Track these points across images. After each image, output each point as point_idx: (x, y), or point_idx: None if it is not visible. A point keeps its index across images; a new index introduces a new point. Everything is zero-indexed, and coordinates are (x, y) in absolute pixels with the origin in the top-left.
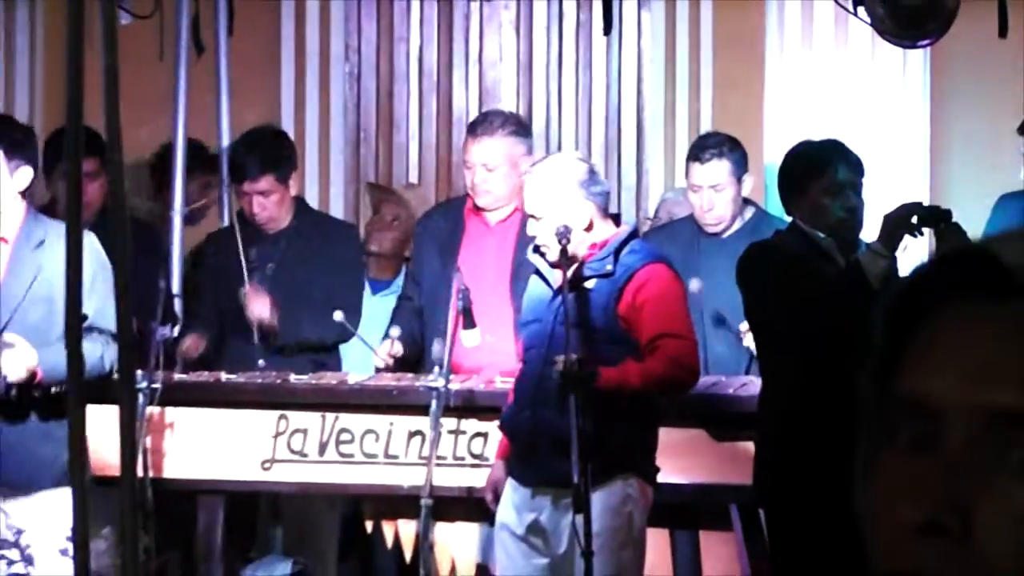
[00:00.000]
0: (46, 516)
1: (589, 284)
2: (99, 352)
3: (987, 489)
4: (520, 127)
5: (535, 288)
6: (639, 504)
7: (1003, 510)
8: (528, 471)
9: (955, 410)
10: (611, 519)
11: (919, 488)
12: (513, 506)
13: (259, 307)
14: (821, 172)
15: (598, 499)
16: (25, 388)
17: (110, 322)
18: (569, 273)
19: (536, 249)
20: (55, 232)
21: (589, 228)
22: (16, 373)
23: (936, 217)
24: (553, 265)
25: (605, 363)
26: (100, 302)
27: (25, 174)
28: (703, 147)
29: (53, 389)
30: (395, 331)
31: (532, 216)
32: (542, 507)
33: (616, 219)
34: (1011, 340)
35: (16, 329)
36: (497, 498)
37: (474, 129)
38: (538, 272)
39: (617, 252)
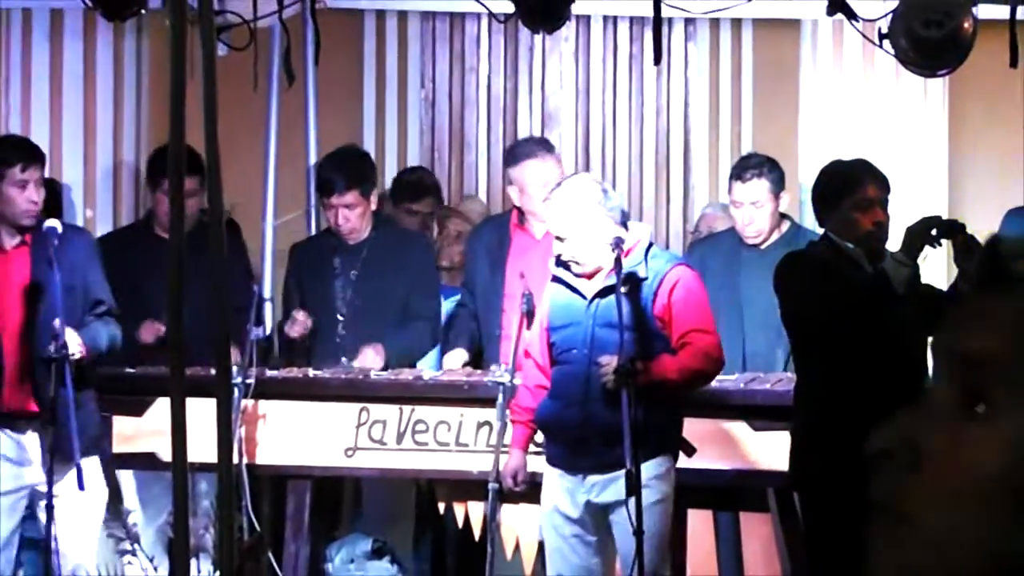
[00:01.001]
0: (149, 498)
1: (622, 290)
2: (115, 332)
3: (940, 429)
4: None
5: (561, 296)
6: (672, 478)
7: (951, 448)
8: (580, 460)
9: (950, 359)
10: (663, 484)
11: (891, 424)
12: (565, 492)
13: (375, 360)
14: (851, 189)
15: (647, 470)
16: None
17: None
18: (598, 285)
19: (560, 263)
20: (61, 234)
21: (611, 241)
22: (75, 349)
23: (953, 229)
24: (582, 276)
25: (645, 358)
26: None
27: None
28: (745, 167)
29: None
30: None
31: (557, 237)
32: (592, 490)
33: (625, 226)
34: (993, 308)
35: (51, 316)
36: (517, 483)
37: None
38: (562, 282)
39: (644, 257)
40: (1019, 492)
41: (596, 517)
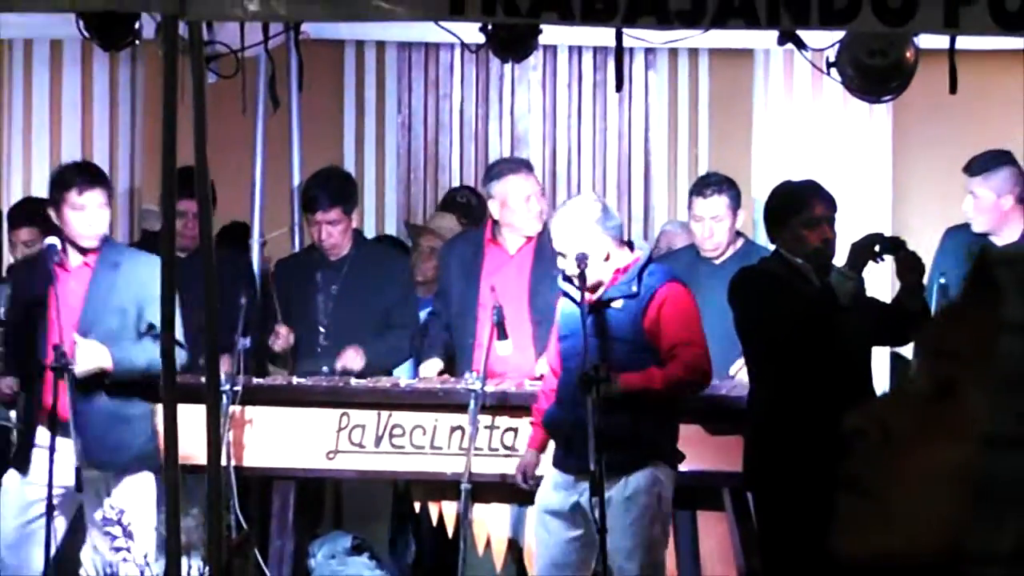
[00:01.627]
0: (141, 498)
1: (617, 304)
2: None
3: (911, 414)
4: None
5: (567, 307)
6: (666, 486)
7: (919, 433)
8: (571, 461)
9: (927, 351)
10: (644, 498)
11: (866, 406)
12: (557, 488)
13: (356, 362)
14: (800, 208)
15: (633, 482)
16: (94, 379)
17: (178, 331)
18: (596, 295)
19: (566, 278)
20: (126, 256)
21: (607, 258)
22: (84, 365)
23: (895, 245)
24: (583, 290)
25: (634, 369)
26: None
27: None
28: (705, 184)
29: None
30: (283, 329)
31: (560, 253)
32: (582, 490)
33: (630, 246)
34: (971, 309)
35: (97, 333)
36: (527, 479)
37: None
38: (568, 296)
39: (639, 275)
40: (979, 483)
41: (584, 516)
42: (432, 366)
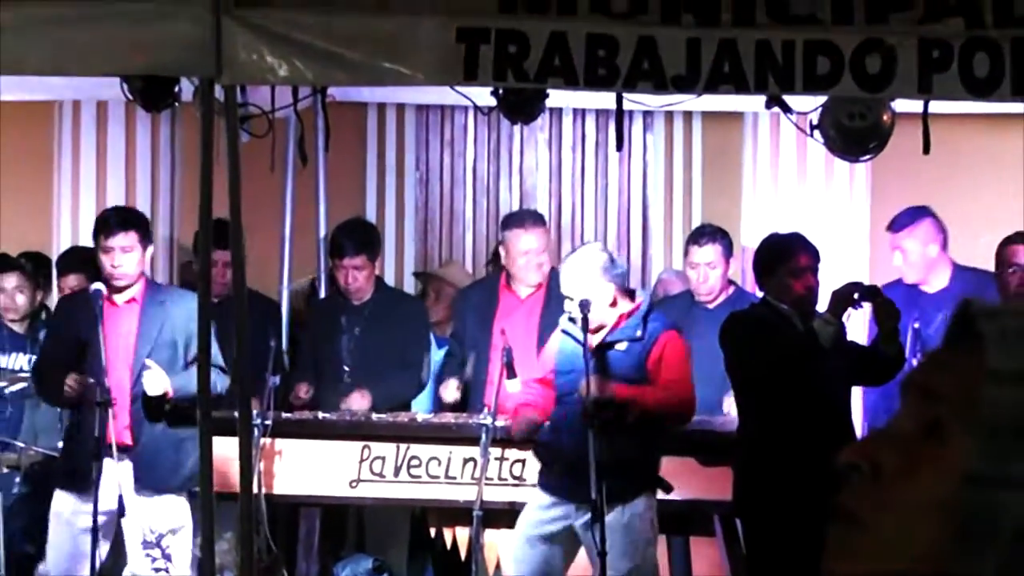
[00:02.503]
0: (179, 522)
1: (621, 346)
2: (216, 380)
3: (900, 451)
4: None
5: (567, 346)
6: (655, 510)
7: (907, 469)
8: (570, 488)
9: (910, 391)
10: (640, 523)
11: (857, 443)
12: (550, 513)
13: (362, 403)
14: (786, 258)
15: (630, 508)
16: (158, 402)
17: (219, 359)
18: (600, 337)
19: (571, 319)
20: (171, 295)
21: (613, 303)
22: (154, 390)
23: (872, 293)
24: (585, 332)
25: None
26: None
27: (150, 253)
28: (701, 233)
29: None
30: (303, 389)
31: (568, 297)
32: (577, 516)
33: (631, 294)
34: (956, 356)
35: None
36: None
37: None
38: (570, 335)
39: (644, 320)
40: (961, 517)
41: (573, 541)
42: (451, 386)
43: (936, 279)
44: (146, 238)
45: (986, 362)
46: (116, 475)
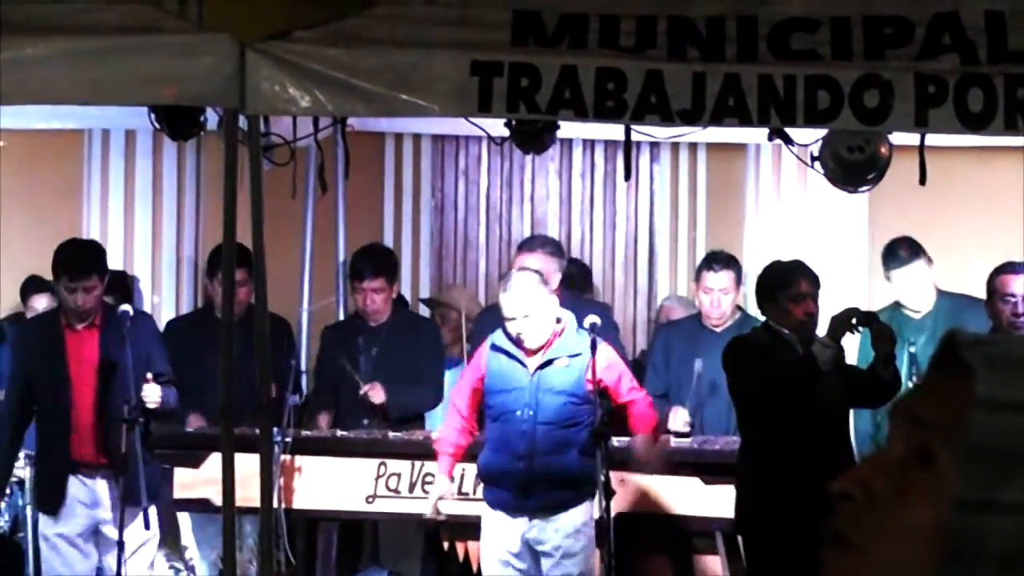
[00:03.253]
0: (203, 536)
1: (562, 363)
2: (168, 394)
3: (891, 478)
4: (557, 248)
5: (501, 364)
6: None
7: (898, 495)
8: (525, 503)
9: (899, 418)
10: (587, 528)
11: (850, 471)
12: (507, 531)
13: (377, 395)
14: (787, 285)
15: (580, 514)
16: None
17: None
18: (541, 357)
19: (509, 337)
20: (136, 315)
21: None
22: (153, 400)
23: (869, 319)
24: (527, 351)
25: (587, 417)
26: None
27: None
28: (715, 260)
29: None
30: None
31: (510, 317)
32: (532, 530)
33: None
34: (943, 384)
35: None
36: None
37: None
38: (505, 352)
39: (574, 335)
40: (951, 541)
41: (532, 553)
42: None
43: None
44: (103, 273)
45: (973, 390)
46: (87, 493)
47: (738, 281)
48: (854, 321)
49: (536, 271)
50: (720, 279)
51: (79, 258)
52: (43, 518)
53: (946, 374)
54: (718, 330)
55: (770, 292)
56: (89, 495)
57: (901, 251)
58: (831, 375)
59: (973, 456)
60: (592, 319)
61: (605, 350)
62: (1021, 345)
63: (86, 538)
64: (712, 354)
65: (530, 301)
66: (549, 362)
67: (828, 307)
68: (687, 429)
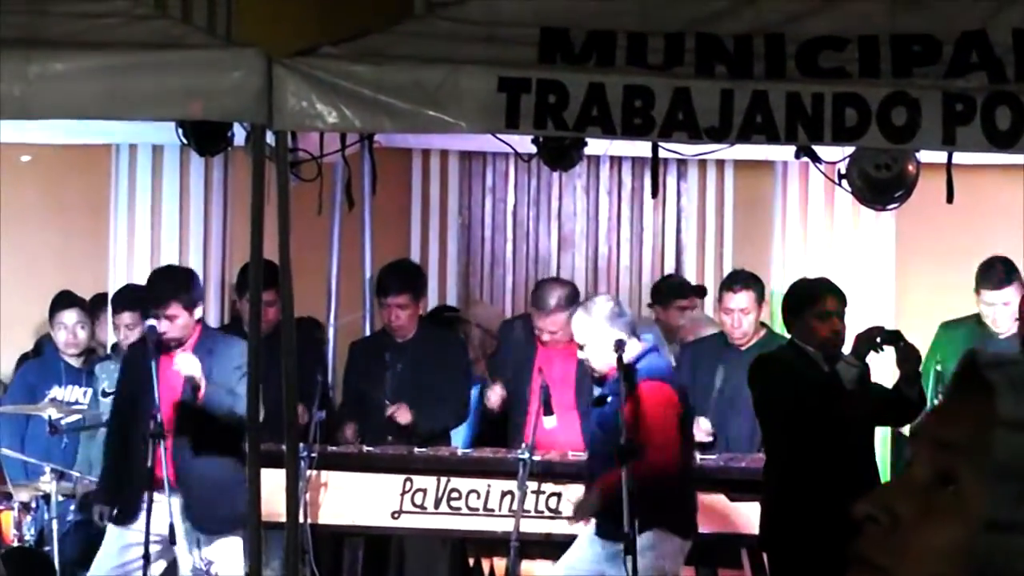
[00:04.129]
0: (230, 552)
1: (608, 400)
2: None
3: (915, 500)
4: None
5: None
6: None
7: (922, 517)
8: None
9: (922, 441)
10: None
11: (874, 493)
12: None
13: (403, 416)
14: (813, 302)
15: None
16: (192, 393)
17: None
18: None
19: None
20: (218, 342)
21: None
22: (187, 370)
23: (893, 338)
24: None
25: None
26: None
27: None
28: (736, 280)
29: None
30: (350, 431)
31: (580, 344)
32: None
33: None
34: (965, 405)
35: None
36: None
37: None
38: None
39: (628, 371)
40: (975, 566)
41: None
42: (496, 389)
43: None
44: (191, 301)
45: (997, 410)
46: (165, 508)
47: (759, 300)
48: (879, 340)
49: (605, 300)
50: (740, 299)
51: (155, 285)
52: (113, 530)
53: (968, 395)
54: (743, 348)
55: (796, 309)
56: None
57: (997, 270)
58: (855, 393)
59: (999, 476)
60: (619, 335)
61: (649, 389)
62: None
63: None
64: (738, 372)
65: (582, 330)
66: (604, 398)
67: (854, 325)
68: (709, 439)
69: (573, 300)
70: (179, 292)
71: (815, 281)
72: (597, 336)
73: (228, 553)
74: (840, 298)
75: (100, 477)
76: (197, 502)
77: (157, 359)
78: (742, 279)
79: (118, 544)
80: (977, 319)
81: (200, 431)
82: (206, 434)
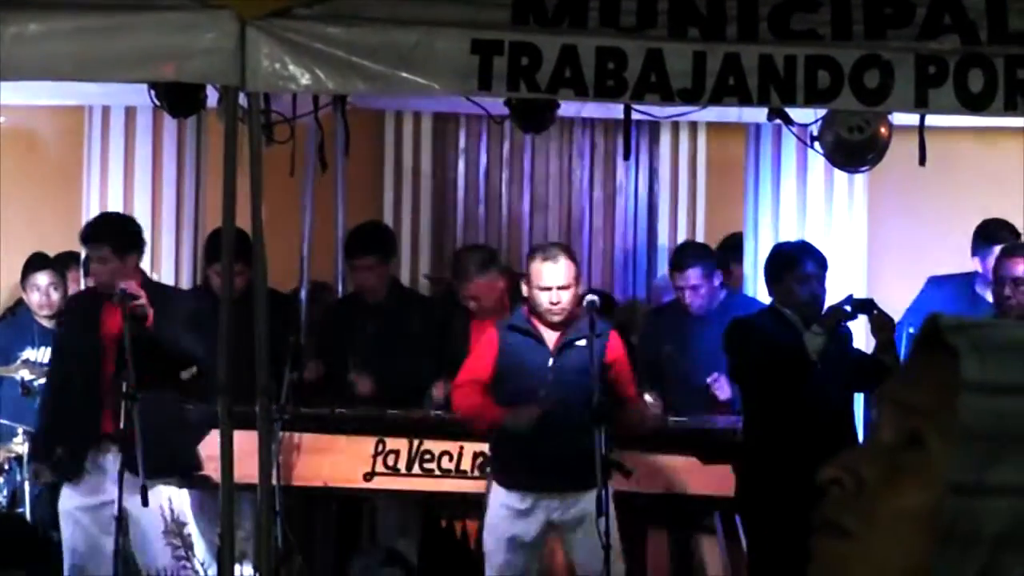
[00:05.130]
0: (199, 512)
1: (581, 343)
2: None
3: (882, 463)
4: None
5: (525, 344)
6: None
7: (889, 479)
8: (543, 482)
9: (887, 404)
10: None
11: (839, 457)
12: (521, 510)
13: (364, 386)
14: (792, 266)
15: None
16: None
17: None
18: (560, 335)
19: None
20: (163, 292)
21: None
22: (131, 290)
23: (865, 306)
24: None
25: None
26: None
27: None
28: (683, 256)
29: (183, 375)
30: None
31: (560, 287)
32: (549, 508)
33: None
34: (929, 370)
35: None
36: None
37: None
38: (528, 334)
39: (591, 316)
40: (942, 528)
41: (551, 533)
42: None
43: None
44: (122, 247)
45: (961, 374)
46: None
47: (710, 272)
48: (848, 308)
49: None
50: (687, 277)
51: (91, 226)
52: (68, 492)
53: (932, 358)
54: (703, 315)
55: (776, 273)
56: (105, 468)
57: (997, 233)
58: (822, 362)
59: (964, 439)
60: (591, 298)
61: (616, 341)
62: (1005, 328)
63: (107, 516)
64: (698, 336)
65: (567, 272)
66: (571, 342)
67: (829, 290)
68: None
69: (490, 262)
70: (112, 236)
71: (795, 244)
72: (575, 283)
73: (200, 508)
74: (819, 261)
75: (38, 433)
76: (159, 451)
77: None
78: (689, 255)
79: (78, 519)
80: (964, 277)
81: (147, 365)
82: (153, 369)
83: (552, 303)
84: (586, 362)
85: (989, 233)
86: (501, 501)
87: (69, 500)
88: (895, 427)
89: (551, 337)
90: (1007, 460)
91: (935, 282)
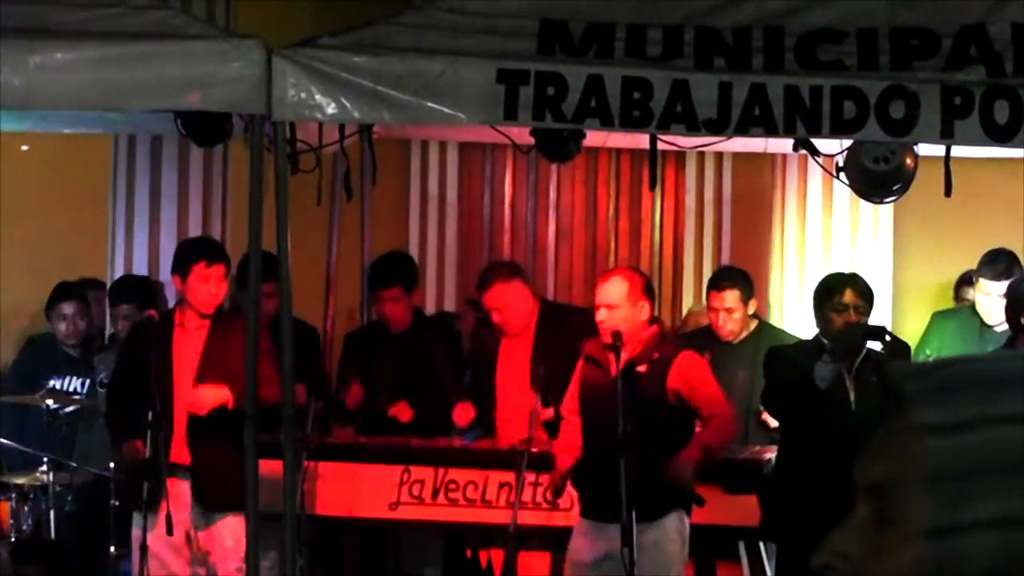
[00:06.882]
0: (226, 540)
1: (642, 368)
2: None
3: (863, 544)
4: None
5: (592, 373)
6: (686, 528)
7: (871, 559)
8: (600, 510)
9: (861, 488)
10: (671, 543)
11: (827, 542)
12: (587, 538)
13: (404, 414)
14: (832, 295)
15: (660, 526)
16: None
17: None
18: (625, 359)
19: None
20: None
21: (646, 324)
22: (209, 406)
23: (877, 334)
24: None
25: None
26: None
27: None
28: (721, 278)
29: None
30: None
31: (603, 305)
32: (610, 537)
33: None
34: (887, 435)
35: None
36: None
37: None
38: (596, 363)
39: (659, 341)
40: (928, 569)
41: (614, 563)
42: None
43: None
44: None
45: (921, 419)
46: (175, 493)
47: (746, 297)
48: (861, 336)
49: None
50: (725, 298)
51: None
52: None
53: (887, 423)
54: (735, 342)
55: (818, 302)
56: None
57: (1001, 261)
58: (833, 391)
59: (932, 482)
60: (617, 330)
61: (686, 359)
62: (951, 366)
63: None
64: (730, 366)
65: (622, 295)
66: (632, 367)
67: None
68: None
69: (515, 273)
70: (225, 255)
71: (838, 274)
72: (630, 306)
73: (227, 537)
74: (862, 293)
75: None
76: (207, 482)
77: (158, 348)
78: (727, 277)
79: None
80: (971, 310)
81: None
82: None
83: (599, 320)
84: (642, 390)
85: (987, 258)
86: (576, 526)
87: (144, 530)
88: (869, 506)
89: (613, 362)
90: (976, 498)
91: (941, 316)
